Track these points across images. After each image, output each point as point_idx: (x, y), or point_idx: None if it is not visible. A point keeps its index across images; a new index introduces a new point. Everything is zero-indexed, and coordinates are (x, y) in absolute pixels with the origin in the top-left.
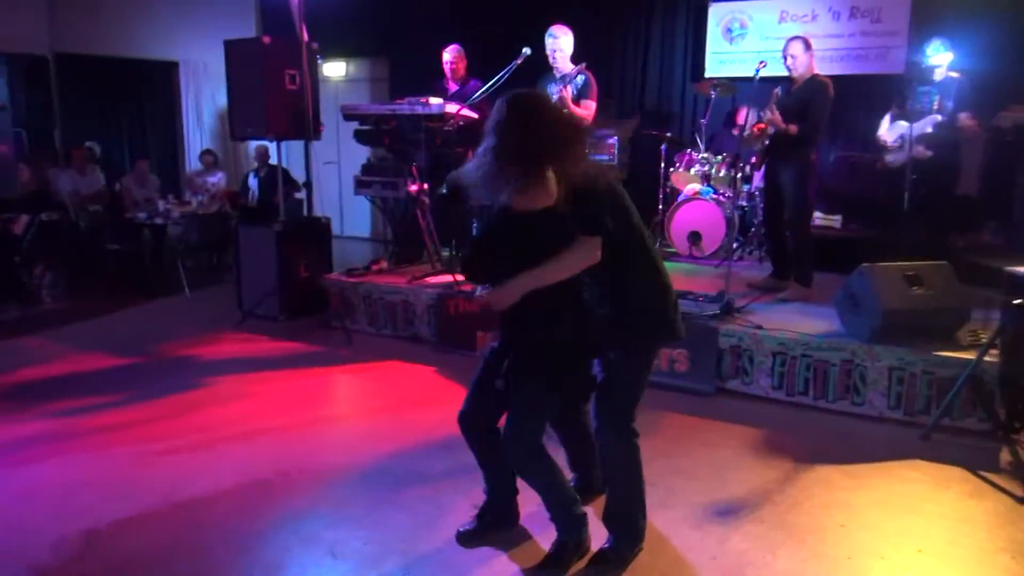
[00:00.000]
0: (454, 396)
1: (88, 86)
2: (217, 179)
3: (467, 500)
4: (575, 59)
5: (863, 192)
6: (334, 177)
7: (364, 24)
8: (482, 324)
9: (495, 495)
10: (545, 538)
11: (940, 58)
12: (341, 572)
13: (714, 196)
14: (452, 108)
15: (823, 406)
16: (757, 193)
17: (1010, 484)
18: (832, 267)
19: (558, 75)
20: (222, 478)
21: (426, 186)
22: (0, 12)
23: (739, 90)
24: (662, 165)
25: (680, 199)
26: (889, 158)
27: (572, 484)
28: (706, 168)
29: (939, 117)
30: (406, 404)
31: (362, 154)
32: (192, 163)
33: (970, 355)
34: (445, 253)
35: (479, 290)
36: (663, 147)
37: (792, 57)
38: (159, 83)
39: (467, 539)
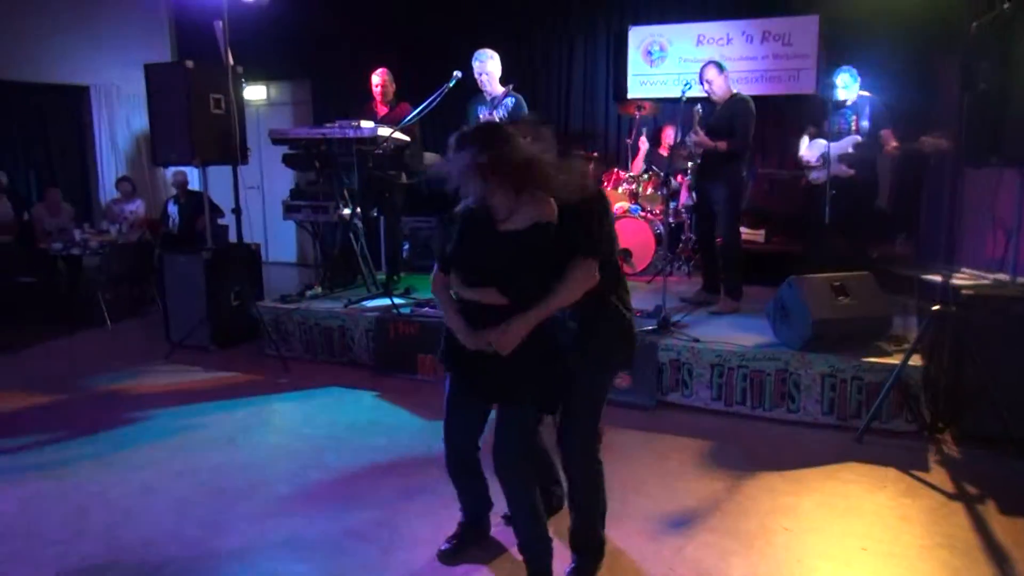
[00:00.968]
0: (399, 420)
1: None
2: (136, 207)
3: (425, 521)
4: (503, 81)
5: (785, 208)
6: (257, 202)
7: (285, 47)
8: (422, 346)
9: (474, 512)
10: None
11: (848, 92)
12: None
13: (642, 213)
14: (384, 131)
15: (761, 414)
16: (684, 210)
17: (940, 481)
18: (758, 280)
19: (488, 98)
20: (162, 519)
21: (358, 209)
22: None
23: (661, 110)
24: None
25: None
26: (813, 176)
27: None
28: (633, 186)
29: (859, 138)
30: (352, 430)
31: (286, 178)
32: (106, 190)
33: (895, 360)
34: (380, 276)
35: (487, 335)
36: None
37: (708, 82)
38: (69, 108)
39: (448, 557)
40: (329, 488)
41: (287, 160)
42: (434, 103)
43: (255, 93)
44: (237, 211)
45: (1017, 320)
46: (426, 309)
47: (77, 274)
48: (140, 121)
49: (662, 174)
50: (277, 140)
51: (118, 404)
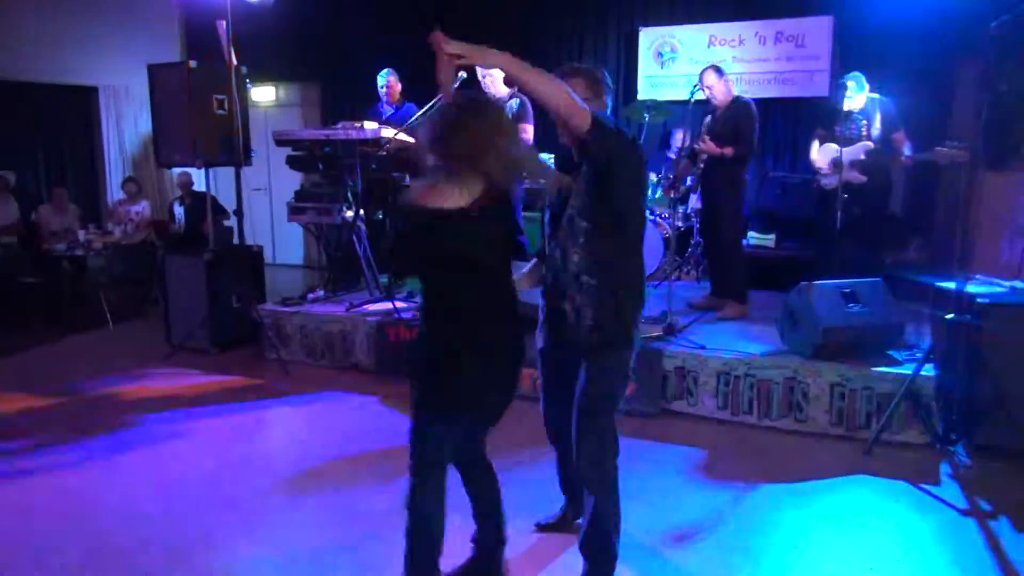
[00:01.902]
0: (399, 427)
1: (1, 112)
2: (141, 208)
3: None
4: (508, 82)
5: (796, 212)
6: (265, 204)
7: (294, 48)
8: None
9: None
10: None
11: (855, 100)
12: None
13: (651, 217)
14: (387, 133)
15: (767, 424)
16: (693, 214)
17: (952, 496)
18: (768, 285)
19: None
20: (151, 528)
21: (362, 212)
22: None
23: (671, 113)
24: None
25: None
26: (824, 181)
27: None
28: None
29: (871, 144)
30: (351, 438)
31: (293, 180)
32: (114, 191)
33: (907, 370)
34: (383, 280)
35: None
36: None
37: (708, 87)
38: (77, 109)
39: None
40: (324, 499)
41: (291, 162)
42: (437, 104)
43: (264, 94)
44: (239, 213)
45: None
46: None
47: (81, 275)
48: (148, 122)
49: (671, 177)
50: (281, 142)
51: (114, 407)
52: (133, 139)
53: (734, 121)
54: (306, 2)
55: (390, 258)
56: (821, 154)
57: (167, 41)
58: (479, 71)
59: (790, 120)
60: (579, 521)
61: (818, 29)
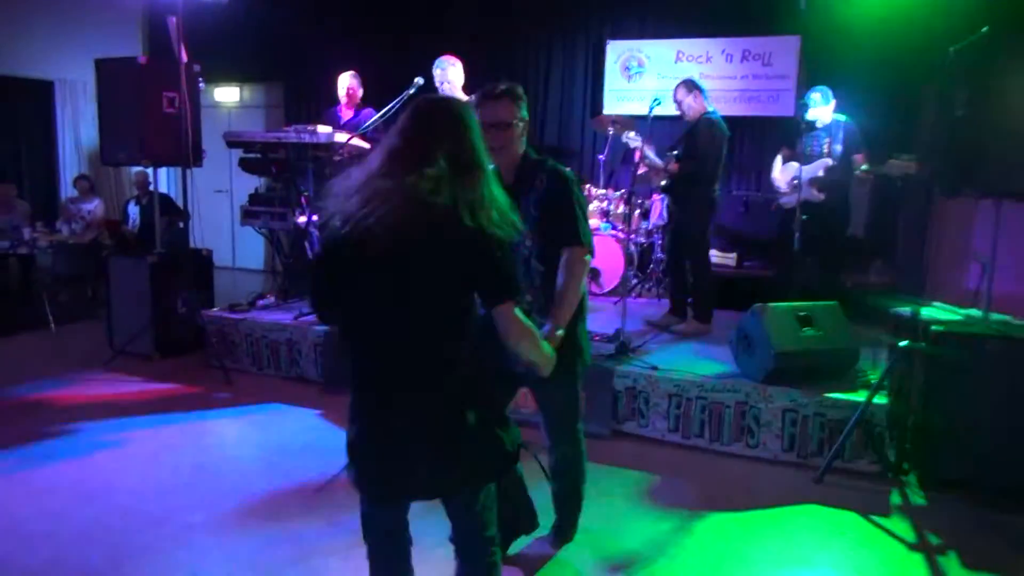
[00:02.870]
0: (336, 443)
1: None
2: (93, 206)
3: (345, 564)
4: (468, 91)
5: (758, 231)
6: (226, 206)
7: (258, 49)
8: None
9: None
10: None
11: (820, 111)
12: None
13: (613, 232)
14: (341, 138)
15: (719, 448)
16: (655, 230)
17: (901, 529)
18: (728, 305)
19: None
20: (65, 547)
21: (315, 217)
22: None
23: (637, 127)
24: None
25: None
26: (783, 200)
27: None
28: (605, 204)
29: (830, 161)
30: (286, 452)
31: (255, 182)
32: (68, 188)
33: (860, 396)
34: None
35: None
36: None
37: (678, 102)
38: (33, 103)
39: None
40: (248, 518)
41: (243, 164)
42: (393, 109)
43: (227, 95)
44: (185, 215)
45: (989, 359)
46: None
47: (28, 274)
48: None
49: (627, 192)
50: (232, 143)
51: (43, 415)
52: (90, 135)
53: (692, 137)
54: (270, 2)
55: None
56: (783, 173)
57: (127, 37)
58: (436, 79)
59: (755, 139)
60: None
61: (785, 48)
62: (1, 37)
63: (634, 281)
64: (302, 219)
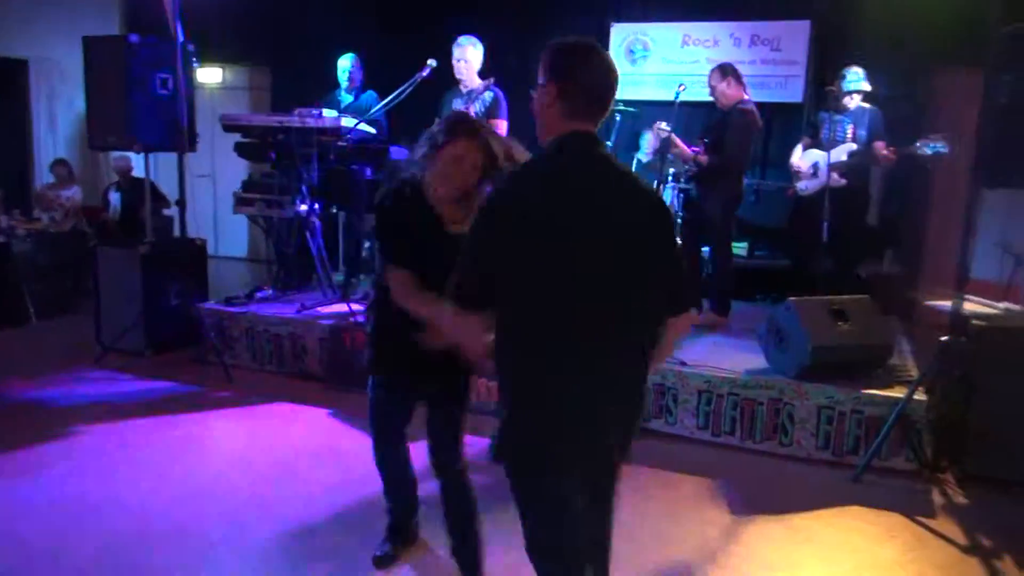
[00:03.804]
0: (353, 442)
1: None
2: (72, 193)
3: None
4: (483, 74)
5: (769, 220)
6: (208, 192)
7: (244, 28)
8: None
9: (401, 515)
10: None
11: (863, 85)
12: None
13: None
14: (349, 122)
15: (750, 447)
16: None
17: (951, 531)
18: (740, 295)
19: (464, 90)
20: (65, 564)
21: (317, 206)
22: None
23: (642, 112)
24: None
25: None
26: (800, 185)
27: None
28: None
29: (854, 146)
30: (299, 456)
31: (240, 167)
32: (43, 174)
33: (896, 392)
34: (337, 278)
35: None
36: None
37: (711, 87)
38: (5, 83)
39: (383, 562)
40: (271, 531)
41: (240, 149)
42: (404, 93)
43: (210, 76)
44: (182, 203)
45: None
46: None
47: (5, 264)
48: (83, 101)
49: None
50: (229, 127)
51: (31, 418)
52: (68, 118)
53: (722, 129)
54: None
55: None
56: (803, 158)
57: (107, 13)
58: (455, 56)
59: (764, 126)
60: None
61: (795, 33)
62: None
63: None
64: (303, 207)
